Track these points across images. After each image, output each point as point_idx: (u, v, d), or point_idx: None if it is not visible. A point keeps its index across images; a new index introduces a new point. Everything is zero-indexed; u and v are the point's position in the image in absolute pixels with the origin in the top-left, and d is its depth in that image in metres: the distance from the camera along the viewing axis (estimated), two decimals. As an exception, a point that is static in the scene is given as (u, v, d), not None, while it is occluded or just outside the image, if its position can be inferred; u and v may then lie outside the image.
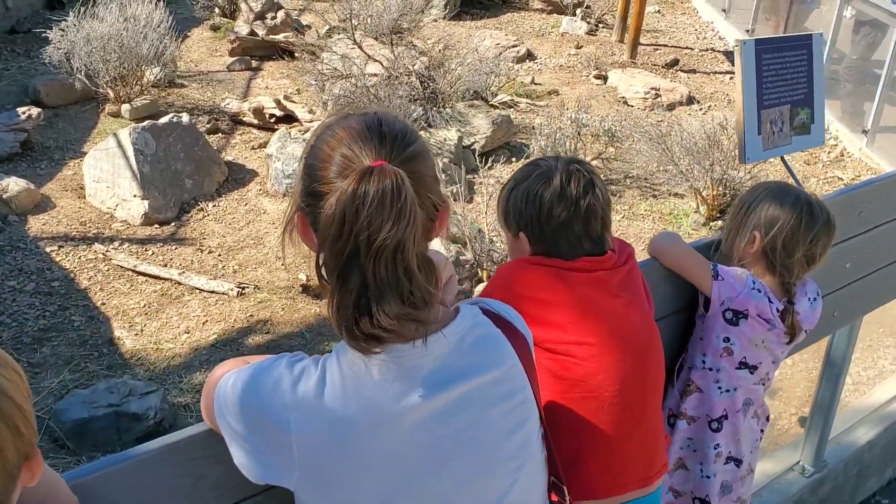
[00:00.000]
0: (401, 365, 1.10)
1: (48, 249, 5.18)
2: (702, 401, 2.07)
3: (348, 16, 7.75)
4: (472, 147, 6.61)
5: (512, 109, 7.71)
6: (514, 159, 6.66)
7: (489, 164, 6.06)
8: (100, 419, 3.59)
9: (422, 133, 6.35)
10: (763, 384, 2.12)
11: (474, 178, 6.31)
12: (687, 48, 10.20)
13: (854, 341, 2.94)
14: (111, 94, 7.11)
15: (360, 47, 6.88)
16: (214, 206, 5.88)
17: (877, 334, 4.69)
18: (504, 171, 6.51)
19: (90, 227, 5.51)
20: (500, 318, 1.24)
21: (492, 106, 7.65)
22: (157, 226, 5.59)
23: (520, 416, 1.20)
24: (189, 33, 9.46)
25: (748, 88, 2.72)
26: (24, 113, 6.36)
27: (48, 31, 7.03)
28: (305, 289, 4.89)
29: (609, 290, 1.67)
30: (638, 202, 6.32)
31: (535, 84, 8.53)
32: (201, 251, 5.31)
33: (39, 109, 6.49)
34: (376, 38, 8.32)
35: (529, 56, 9.41)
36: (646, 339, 1.73)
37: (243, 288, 4.81)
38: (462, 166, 6.23)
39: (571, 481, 1.37)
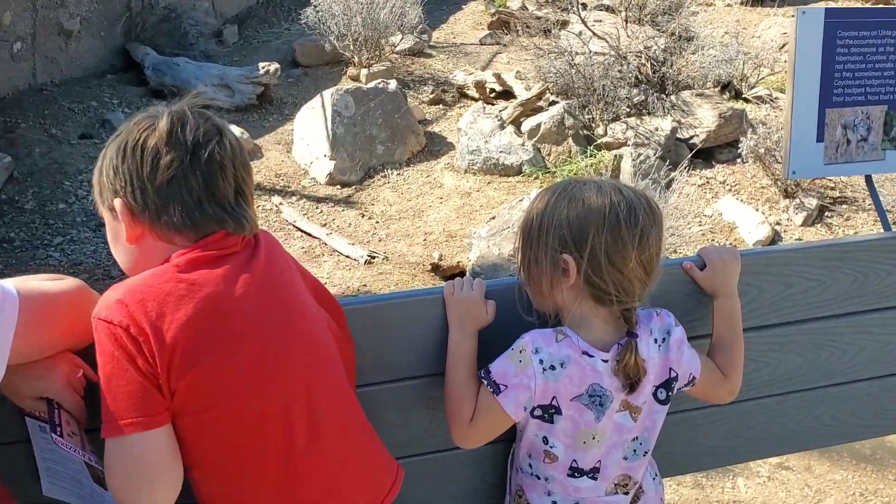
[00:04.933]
0: None
1: (235, 195, 5.55)
2: None
3: None
4: (690, 141, 5.88)
5: (767, 105, 6.72)
6: (738, 160, 5.80)
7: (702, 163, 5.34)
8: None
9: (632, 120, 5.79)
10: (625, 489, 1.54)
11: (683, 174, 5.61)
12: None
13: None
14: (355, 59, 7.42)
15: (584, 24, 6.41)
16: (398, 174, 5.88)
17: None
18: (720, 172, 5.72)
19: (282, 180, 5.80)
20: None
21: (744, 99, 6.74)
22: (339, 186, 5.73)
23: None
24: (465, 5, 9.59)
25: (804, 75, 2.00)
26: (263, 68, 6.87)
27: (311, -6, 7.49)
28: (435, 268, 4.70)
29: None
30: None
31: (813, 79, 7.36)
32: (363, 216, 5.35)
33: (277, 66, 6.96)
34: (639, 20, 7.74)
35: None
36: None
37: (373, 256, 4.75)
38: (667, 160, 5.56)
39: None
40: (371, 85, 6.18)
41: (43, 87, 6.76)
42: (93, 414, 1.29)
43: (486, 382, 1.46)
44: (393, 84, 6.24)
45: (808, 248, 1.76)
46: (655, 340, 1.49)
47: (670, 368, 1.50)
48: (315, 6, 7.38)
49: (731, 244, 4.96)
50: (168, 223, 1.29)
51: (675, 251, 4.57)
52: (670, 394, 1.52)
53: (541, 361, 1.42)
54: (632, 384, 1.44)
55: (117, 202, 1.30)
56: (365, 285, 4.52)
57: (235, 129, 6.04)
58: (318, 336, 1.40)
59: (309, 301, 1.42)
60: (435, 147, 6.27)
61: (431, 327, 1.57)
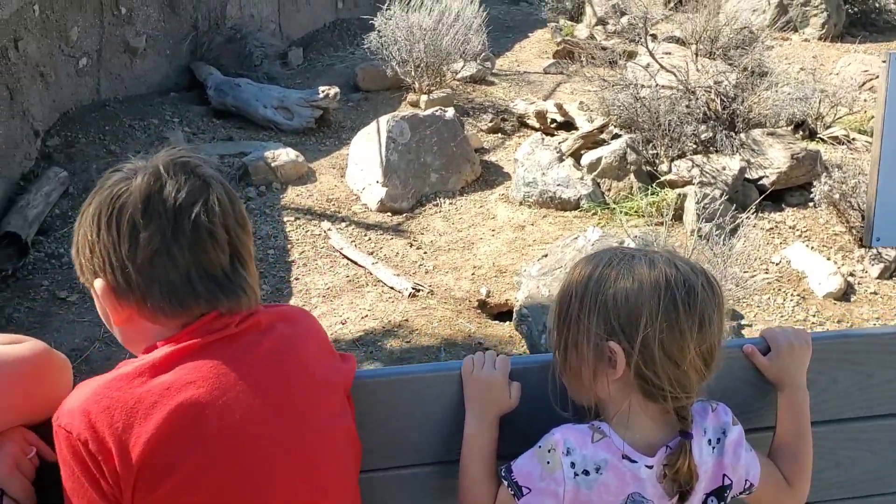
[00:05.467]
0: None
1: (286, 219, 5.46)
2: None
3: (694, 29, 7.07)
4: (759, 182, 5.58)
5: (843, 146, 6.37)
6: (810, 204, 5.47)
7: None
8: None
9: (698, 157, 5.54)
10: None
11: (750, 217, 5.31)
12: None
13: None
14: (416, 84, 7.32)
15: (652, 56, 6.18)
16: (451, 203, 5.73)
17: None
18: (790, 216, 5.41)
19: (333, 205, 5.70)
20: None
21: (819, 139, 6.41)
22: (389, 214, 5.60)
23: None
24: (531, 33, 9.44)
25: (895, 126, 1.77)
26: (323, 92, 6.81)
27: (374, 19, 7.43)
28: (482, 305, 4.51)
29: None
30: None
31: (894, 120, 6.97)
32: (411, 245, 5.20)
33: (337, 90, 6.90)
34: (711, 54, 7.47)
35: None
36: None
37: (417, 290, 4.58)
38: (734, 202, 5.28)
39: None
40: (428, 112, 6.05)
41: (106, 102, 6.83)
42: (47, 494, 1.15)
43: (506, 482, 1.27)
44: (450, 112, 6.10)
45: (893, 333, 1.53)
46: (709, 441, 1.27)
47: (724, 475, 1.28)
48: (379, 31, 7.32)
49: (799, 295, 4.66)
50: (154, 305, 1.14)
51: (737, 302, 4.29)
52: None
53: (572, 465, 1.22)
54: (682, 493, 1.23)
55: (98, 283, 1.16)
56: (407, 320, 4.35)
57: (290, 153, 5.98)
58: (329, 458, 1.19)
59: (330, 404, 1.21)
60: (490, 177, 6.10)
61: (447, 407, 1.39)
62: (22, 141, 5.75)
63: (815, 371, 1.46)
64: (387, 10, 7.28)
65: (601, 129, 5.73)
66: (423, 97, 7.22)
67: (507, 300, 4.51)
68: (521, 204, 5.60)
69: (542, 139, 5.83)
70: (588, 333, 1.24)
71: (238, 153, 6.30)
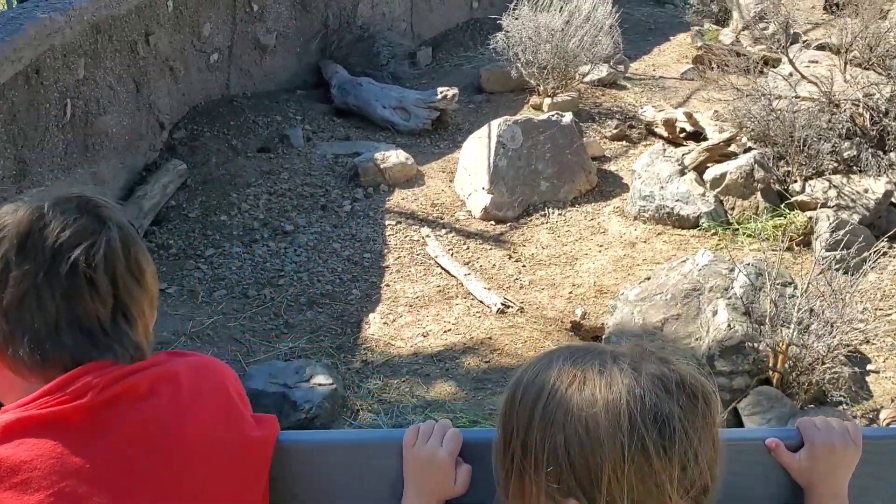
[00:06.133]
0: None
1: (388, 223, 5.36)
2: None
3: (847, 35, 6.42)
4: (909, 208, 4.96)
5: None
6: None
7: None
8: (269, 396, 3.57)
9: (836, 178, 5.00)
10: None
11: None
12: None
13: None
14: (540, 87, 7.06)
15: (791, 64, 5.63)
16: (560, 214, 5.44)
17: None
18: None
19: (437, 210, 5.56)
20: None
21: None
22: (492, 222, 5.39)
23: None
24: (673, 37, 8.95)
25: None
26: (441, 93, 6.68)
27: (501, 19, 7.23)
28: (575, 327, 4.22)
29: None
30: None
31: None
32: (510, 257, 4.96)
33: (456, 91, 6.75)
34: (866, 63, 6.77)
35: None
36: None
37: (507, 306, 4.34)
38: (873, 229, 4.71)
39: None
40: (543, 117, 5.79)
41: (234, 98, 6.97)
42: None
43: None
44: (567, 117, 5.81)
45: None
46: None
47: None
48: (506, 32, 7.10)
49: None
50: (15, 355, 0.99)
51: (864, 343, 3.79)
52: None
53: None
54: None
55: None
56: (490, 337, 4.12)
57: (400, 155, 5.87)
58: None
59: (220, 489, 1.04)
60: (607, 187, 5.76)
61: (388, 481, 1.17)
62: (147, 132, 5.93)
63: (861, 474, 1.14)
64: (514, 10, 7.06)
65: (728, 141, 5.27)
66: (547, 100, 6.95)
67: (603, 324, 4.19)
68: (635, 219, 5.24)
69: (664, 150, 5.43)
70: (538, 483, 0.98)
71: (352, 153, 6.27)
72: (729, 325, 3.46)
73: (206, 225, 5.36)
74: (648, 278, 4.05)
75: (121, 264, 1.03)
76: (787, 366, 3.36)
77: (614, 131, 6.50)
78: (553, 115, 5.78)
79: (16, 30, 3.68)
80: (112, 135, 5.39)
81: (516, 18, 7.02)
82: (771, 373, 3.38)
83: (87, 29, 4.97)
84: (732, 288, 3.64)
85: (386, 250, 5.06)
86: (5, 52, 3.55)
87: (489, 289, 4.51)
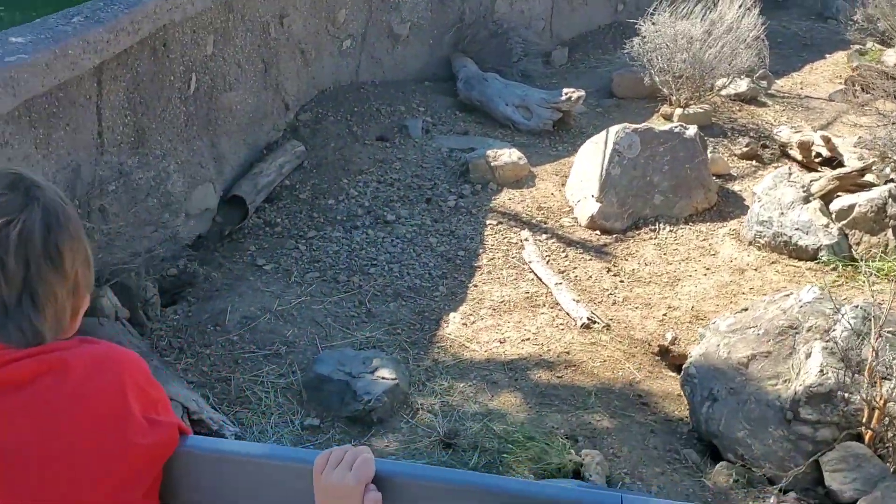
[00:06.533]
0: None
1: (489, 222, 5.27)
2: None
3: None
4: None
5: None
6: None
7: None
8: (334, 382, 3.57)
9: None
10: None
11: None
12: None
13: None
14: (673, 96, 6.76)
15: (951, 91, 5.10)
16: (670, 231, 5.17)
17: None
18: None
19: (542, 214, 5.41)
20: None
21: None
22: (598, 232, 5.20)
23: None
24: (829, 55, 8.35)
25: None
26: (566, 94, 6.51)
27: (640, 23, 6.97)
28: (663, 353, 3.98)
29: None
30: None
31: None
32: (608, 271, 4.76)
33: (582, 93, 6.57)
34: None
35: None
36: None
37: (592, 322, 4.16)
38: None
39: None
40: (665, 127, 5.51)
41: (362, 85, 7.06)
42: None
43: None
44: (692, 129, 5.51)
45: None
46: None
47: None
48: (643, 37, 6.84)
49: None
50: None
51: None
52: None
53: None
54: None
55: None
56: (568, 352, 3.96)
57: (513, 155, 5.76)
58: None
59: (91, 487, 1.00)
60: (727, 208, 5.43)
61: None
62: (271, 112, 6.09)
63: None
64: (652, 14, 6.78)
65: (862, 171, 4.84)
66: (678, 110, 6.64)
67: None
68: (749, 244, 4.91)
69: (790, 174, 5.05)
70: None
71: (467, 148, 6.21)
72: (821, 371, 3.15)
73: (313, 207, 5.44)
74: (746, 309, 3.76)
75: (35, 248, 1.00)
76: (882, 424, 3.03)
77: (745, 149, 6.12)
78: (676, 127, 5.49)
79: (136, 2, 3.84)
80: (236, 111, 5.56)
81: (654, 24, 6.74)
82: (863, 429, 3.05)
83: (220, 6, 5.14)
84: (834, 330, 3.32)
85: (481, 250, 4.96)
86: (123, 24, 3.70)
87: (578, 301, 4.33)
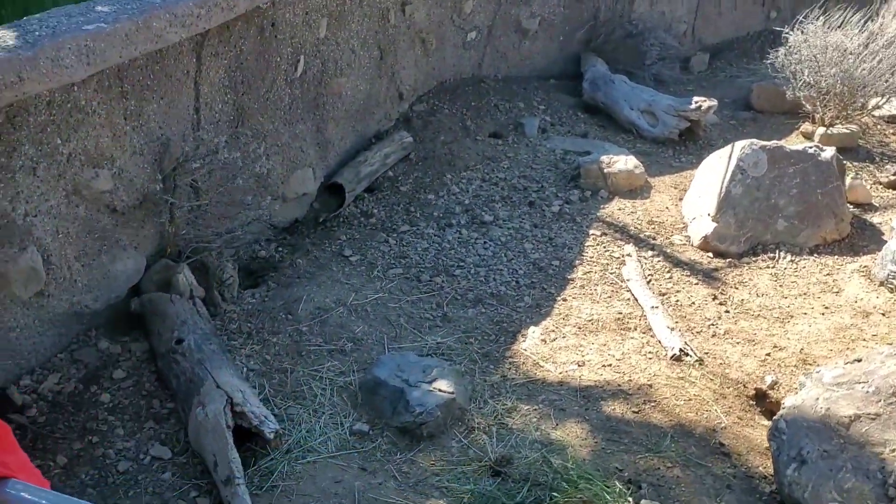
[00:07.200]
0: None
1: (592, 232, 4.95)
2: None
3: None
4: None
5: None
6: None
7: None
8: (388, 388, 3.38)
9: None
10: None
11: None
12: None
13: None
14: (817, 114, 6.17)
15: None
16: (791, 261, 4.67)
17: None
18: None
19: (652, 228, 5.03)
20: None
21: None
22: (710, 255, 4.76)
23: None
24: None
25: None
26: (696, 103, 6.06)
27: (787, 31, 6.40)
28: (759, 397, 3.55)
29: None
30: None
31: None
32: (714, 298, 4.33)
33: (713, 103, 6.09)
34: None
35: None
36: None
37: (685, 353, 3.77)
38: None
39: None
40: (798, 147, 4.99)
41: (484, 79, 6.85)
42: None
43: None
44: (829, 152, 4.96)
45: None
46: None
47: None
48: (789, 46, 6.27)
49: None
50: None
51: None
52: None
53: None
54: None
55: None
56: (651, 385, 3.58)
57: (629, 162, 5.40)
58: None
59: None
60: (860, 241, 4.86)
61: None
62: (384, 101, 5.97)
63: None
64: (802, 23, 6.20)
65: None
66: (821, 129, 6.04)
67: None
68: (881, 285, 4.35)
69: (938, 209, 4.44)
70: None
71: (583, 151, 5.88)
72: (938, 446, 2.68)
73: (411, 200, 5.28)
74: (859, 360, 3.29)
75: None
76: None
77: (892, 177, 5.48)
78: (811, 147, 4.96)
79: (232, -21, 3.77)
80: (345, 97, 5.46)
81: (802, 32, 6.16)
82: (982, 521, 2.57)
83: (335, -10, 5.05)
84: (962, 398, 2.83)
85: (578, 261, 4.65)
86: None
87: (673, 329, 3.95)
